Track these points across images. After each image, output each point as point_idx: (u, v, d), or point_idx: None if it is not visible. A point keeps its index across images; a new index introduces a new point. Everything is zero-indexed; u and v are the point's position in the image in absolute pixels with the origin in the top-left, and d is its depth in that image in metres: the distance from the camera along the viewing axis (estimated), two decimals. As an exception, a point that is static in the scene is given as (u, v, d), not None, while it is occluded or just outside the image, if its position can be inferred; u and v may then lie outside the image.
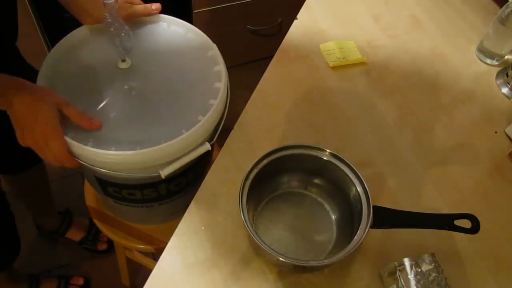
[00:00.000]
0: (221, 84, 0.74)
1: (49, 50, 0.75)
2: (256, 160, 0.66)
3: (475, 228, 0.63)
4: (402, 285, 0.61)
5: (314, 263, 0.62)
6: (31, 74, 0.71)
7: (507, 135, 0.86)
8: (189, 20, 0.82)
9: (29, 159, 1.14)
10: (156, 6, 0.80)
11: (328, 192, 0.72)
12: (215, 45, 0.80)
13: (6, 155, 1.06)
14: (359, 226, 0.62)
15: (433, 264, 0.62)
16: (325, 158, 0.68)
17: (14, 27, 0.86)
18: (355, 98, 0.89)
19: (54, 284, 1.34)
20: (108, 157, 0.65)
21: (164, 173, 0.68)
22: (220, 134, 0.76)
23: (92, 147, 0.65)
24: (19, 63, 0.97)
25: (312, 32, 1.00)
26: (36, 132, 0.63)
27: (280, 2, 1.73)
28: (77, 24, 0.79)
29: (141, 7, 0.79)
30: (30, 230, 1.45)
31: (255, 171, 0.65)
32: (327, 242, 0.69)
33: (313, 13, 1.04)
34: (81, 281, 1.36)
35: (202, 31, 0.81)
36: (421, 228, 0.64)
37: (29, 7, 1.29)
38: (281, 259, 0.59)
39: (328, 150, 0.68)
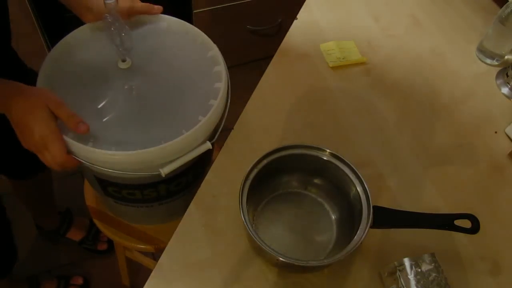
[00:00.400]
0: (221, 84, 0.74)
1: (49, 50, 0.75)
2: (256, 160, 0.66)
3: (475, 228, 0.63)
4: (402, 285, 0.61)
5: (314, 263, 0.62)
6: (30, 77, 0.71)
7: (507, 135, 0.86)
8: (189, 20, 0.82)
9: (37, 165, 1.14)
10: (158, 7, 0.80)
11: (328, 192, 0.72)
12: (215, 45, 0.80)
13: (14, 160, 1.06)
14: (359, 226, 0.62)
15: (433, 264, 0.62)
16: (325, 158, 0.68)
17: (6, 27, 0.85)
18: (355, 98, 0.89)
19: (54, 285, 1.34)
20: (108, 157, 0.65)
21: (165, 171, 0.68)
22: (220, 134, 0.76)
23: (93, 147, 0.65)
24: (17, 66, 0.96)
25: (312, 32, 1.00)
26: (35, 135, 0.63)
27: (280, 2, 1.73)
28: (77, 24, 0.79)
29: (143, 4, 0.79)
30: (30, 230, 1.45)
31: (255, 171, 0.65)
32: (327, 242, 0.69)
33: (313, 13, 1.04)
34: (80, 281, 1.37)
35: (202, 31, 0.81)
36: (421, 228, 0.64)
37: (29, 7, 1.29)
38: (281, 259, 0.59)
39: (328, 150, 0.68)
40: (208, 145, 0.71)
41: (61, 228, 1.42)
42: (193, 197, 0.73)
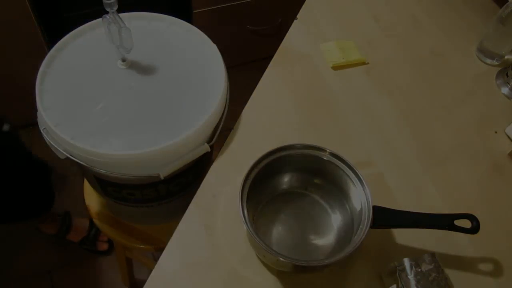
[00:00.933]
0: (221, 84, 0.74)
1: (49, 50, 0.75)
2: (256, 160, 0.66)
3: (475, 228, 0.63)
4: (402, 285, 0.61)
5: (314, 263, 0.62)
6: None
7: (507, 135, 0.86)
8: (189, 20, 0.82)
9: (30, 210, 1.18)
10: None
11: (328, 192, 0.72)
12: (215, 45, 0.80)
13: (8, 206, 1.08)
14: (359, 226, 0.62)
15: (433, 264, 0.62)
16: (325, 158, 0.68)
17: None
18: (355, 98, 0.89)
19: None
20: (107, 157, 0.65)
21: (163, 173, 0.68)
22: (220, 134, 0.76)
23: (92, 147, 0.65)
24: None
25: (312, 32, 1.00)
26: None
27: (280, 2, 1.73)
28: (77, 24, 0.79)
29: None
30: (29, 230, 1.45)
31: (255, 171, 0.65)
32: (327, 242, 0.69)
33: (313, 13, 1.04)
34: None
35: (202, 31, 0.81)
36: (421, 228, 0.64)
37: (29, 7, 1.29)
38: (281, 259, 0.59)
39: (328, 150, 0.68)
40: (206, 148, 0.71)
41: (60, 231, 1.42)
42: (193, 197, 0.73)
